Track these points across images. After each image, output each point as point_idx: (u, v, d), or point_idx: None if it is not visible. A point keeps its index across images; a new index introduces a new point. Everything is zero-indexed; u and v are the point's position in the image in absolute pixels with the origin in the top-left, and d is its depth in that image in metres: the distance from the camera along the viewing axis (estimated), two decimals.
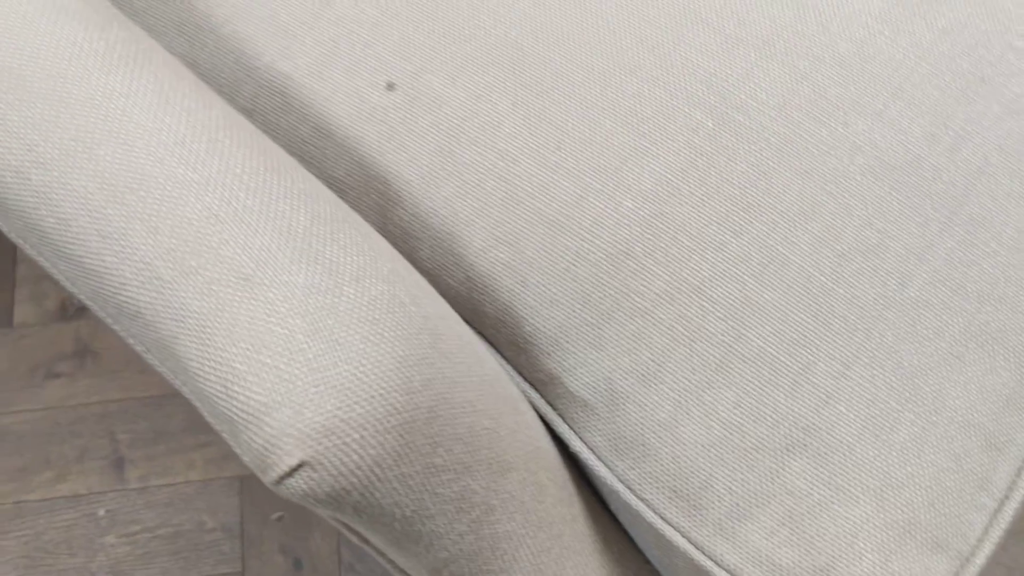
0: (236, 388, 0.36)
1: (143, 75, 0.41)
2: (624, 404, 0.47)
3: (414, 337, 0.39)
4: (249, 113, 0.55)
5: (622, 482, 0.48)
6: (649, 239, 0.49)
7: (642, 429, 0.48)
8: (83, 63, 0.41)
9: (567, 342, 0.48)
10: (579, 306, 0.48)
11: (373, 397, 0.36)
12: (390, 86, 0.53)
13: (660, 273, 0.48)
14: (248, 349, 0.36)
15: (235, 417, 0.36)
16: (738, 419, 0.47)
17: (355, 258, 0.40)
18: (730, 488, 0.47)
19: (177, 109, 0.41)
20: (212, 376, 0.37)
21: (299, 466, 0.35)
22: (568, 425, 0.49)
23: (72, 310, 1.08)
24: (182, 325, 0.37)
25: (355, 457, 0.36)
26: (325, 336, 0.36)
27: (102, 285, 0.39)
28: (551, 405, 0.49)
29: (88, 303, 0.41)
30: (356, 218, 0.43)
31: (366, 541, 0.42)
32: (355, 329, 0.37)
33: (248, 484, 1.00)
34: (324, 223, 0.40)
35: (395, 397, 0.37)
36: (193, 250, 0.38)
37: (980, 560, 0.48)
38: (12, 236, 0.42)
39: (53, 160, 0.39)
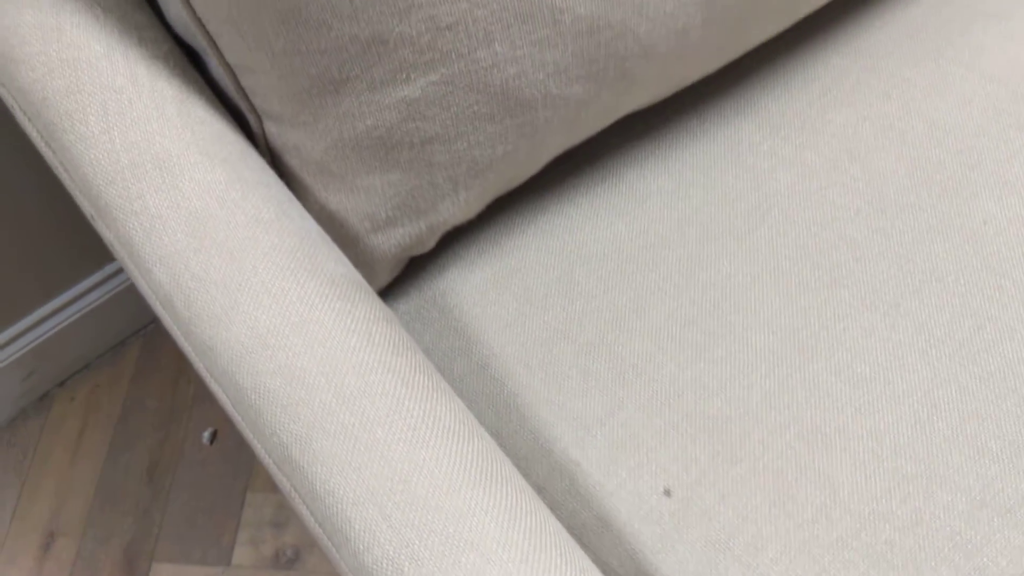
0: None
1: (497, 492, 0.51)
2: None
3: None
4: (540, 490, 0.64)
5: None
6: None
7: None
8: (455, 477, 0.50)
9: None
10: None
11: None
12: (667, 492, 0.61)
13: None
14: None
15: None
16: None
17: None
18: None
19: (522, 527, 0.50)
20: None
21: None
22: None
23: (284, 560, 1.18)
24: None
25: None
26: None
27: None
28: None
29: None
30: None
31: None
32: None
33: None
34: None
35: None
36: None
37: None
38: None
39: (424, 559, 0.48)
